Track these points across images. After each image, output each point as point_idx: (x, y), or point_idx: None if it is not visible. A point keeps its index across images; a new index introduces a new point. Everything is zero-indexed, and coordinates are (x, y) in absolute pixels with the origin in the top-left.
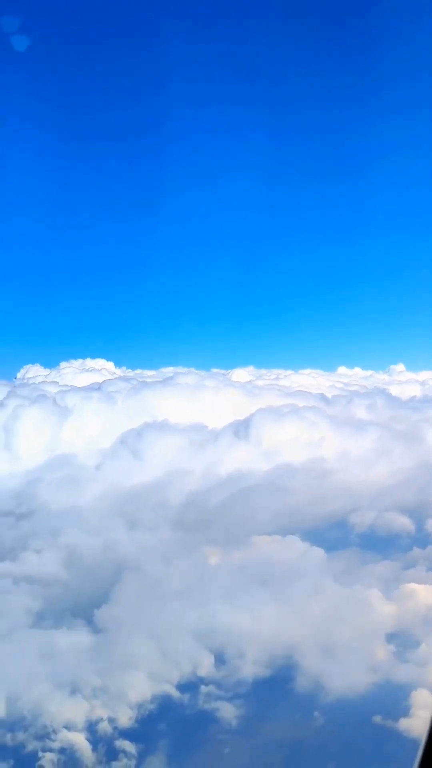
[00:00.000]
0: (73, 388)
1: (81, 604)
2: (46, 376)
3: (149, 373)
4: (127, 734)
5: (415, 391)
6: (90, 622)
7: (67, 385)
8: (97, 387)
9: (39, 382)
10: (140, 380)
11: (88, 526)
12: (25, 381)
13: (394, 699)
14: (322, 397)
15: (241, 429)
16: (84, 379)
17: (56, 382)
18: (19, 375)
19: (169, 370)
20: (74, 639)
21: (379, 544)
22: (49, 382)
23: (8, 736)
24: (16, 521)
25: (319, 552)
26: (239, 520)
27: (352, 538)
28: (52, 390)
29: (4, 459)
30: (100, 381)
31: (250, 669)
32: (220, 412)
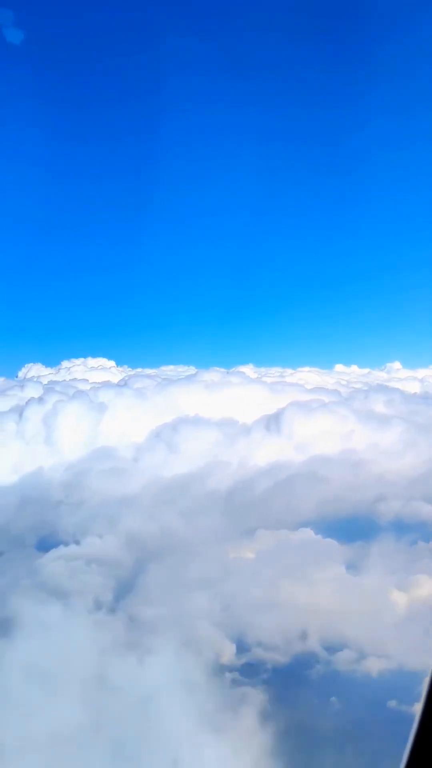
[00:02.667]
0: (105, 385)
1: (139, 585)
2: (55, 374)
3: (149, 372)
4: None
5: (415, 388)
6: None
7: (76, 383)
8: (123, 383)
9: (48, 381)
10: (163, 377)
11: (141, 513)
12: (30, 379)
13: (408, 685)
14: (340, 393)
15: (272, 423)
16: (94, 377)
17: (65, 381)
18: (20, 374)
19: (169, 369)
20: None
21: (410, 531)
22: (63, 380)
23: None
24: (73, 509)
25: (354, 540)
26: (283, 508)
27: (385, 526)
28: (62, 388)
29: (47, 452)
30: (114, 380)
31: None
32: (247, 408)
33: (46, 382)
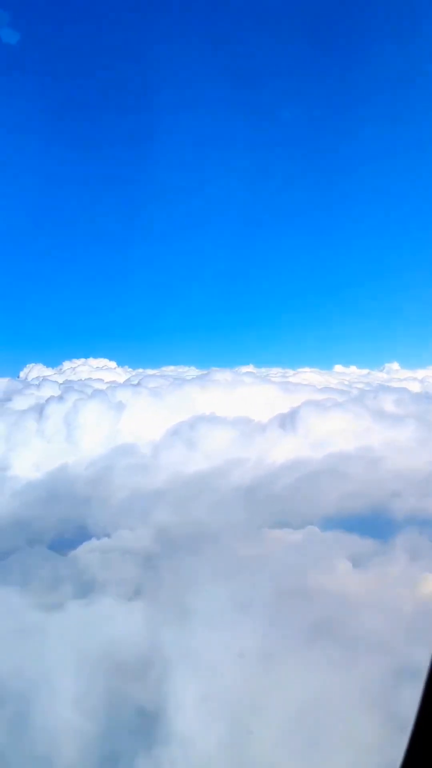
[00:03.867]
0: (121, 384)
1: (175, 574)
2: (57, 375)
3: (151, 372)
4: None
5: (416, 388)
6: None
7: (91, 382)
8: (137, 383)
9: (64, 381)
10: (174, 377)
11: (169, 507)
12: (46, 378)
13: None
14: (350, 393)
15: (287, 421)
16: (100, 378)
17: (81, 380)
18: (21, 374)
19: (169, 369)
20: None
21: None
22: (79, 380)
23: None
24: (101, 504)
25: (376, 536)
26: (306, 503)
27: (405, 521)
28: (79, 387)
29: (68, 450)
30: (120, 380)
31: None
32: (260, 407)
33: (61, 381)
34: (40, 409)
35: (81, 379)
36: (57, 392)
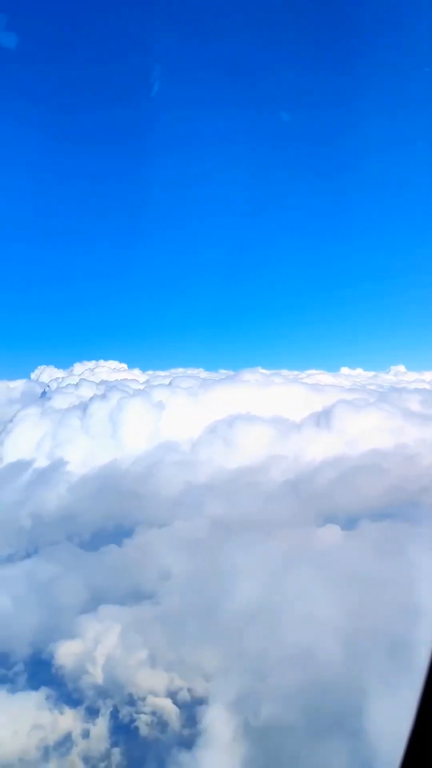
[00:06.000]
0: (160, 385)
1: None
2: (68, 376)
3: (161, 374)
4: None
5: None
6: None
7: (128, 383)
8: (167, 384)
9: (100, 381)
10: (202, 378)
11: (218, 500)
12: (49, 382)
13: None
14: (377, 393)
15: (322, 420)
16: (117, 378)
17: (93, 381)
18: (33, 375)
19: (179, 371)
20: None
21: None
22: (89, 381)
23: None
24: (153, 497)
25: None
26: (351, 497)
27: None
28: (121, 386)
29: (115, 446)
30: (141, 380)
31: None
32: (293, 406)
33: (97, 381)
34: (83, 408)
35: (121, 380)
36: (94, 392)
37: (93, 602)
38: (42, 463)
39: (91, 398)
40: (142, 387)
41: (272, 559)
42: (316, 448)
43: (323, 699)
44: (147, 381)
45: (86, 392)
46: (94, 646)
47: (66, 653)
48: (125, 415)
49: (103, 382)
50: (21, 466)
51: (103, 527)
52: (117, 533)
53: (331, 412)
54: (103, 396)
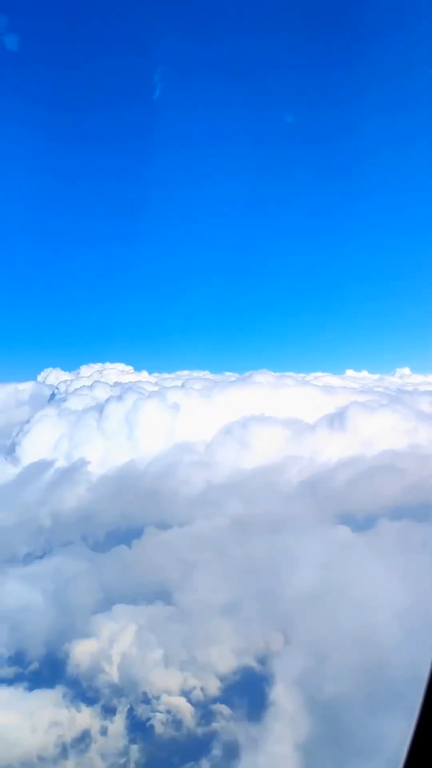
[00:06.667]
0: (173, 387)
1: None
2: (75, 379)
3: (167, 376)
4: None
5: None
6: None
7: (142, 384)
8: (180, 385)
9: (114, 383)
10: (213, 380)
11: (237, 499)
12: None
13: None
14: (388, 395)
15: (336, 421)
16: (127, 380)
17: (106, 383)
18: (39, 378)
19: (184, 374)
20: None
21: None
22: (102, 382)
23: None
24: (173, 496)
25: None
26: (370, 495)
27: None
28: (137, 388)
29: (132, 446)
30: (152, 382)
31: None
32: (305, 407)
33: (107, 383)
34: (99, 409)
35: (120, 382)
36: (109, 393)
37: (108, 602)
38: (62, 463)
39: (107, 400)
40: (156, 389)
41: (301, 554)
42: (331, 449)
43: (381, 678)
44: (156, 383)
45: (101, 394)
46: (110, 645)
47: (81, 652)
48: (141, 416)
49: (116, 384)
50: (42, 466)
51: (123, 526)
52: (137, 532)
53: (344, 414)
54: (119, 397)
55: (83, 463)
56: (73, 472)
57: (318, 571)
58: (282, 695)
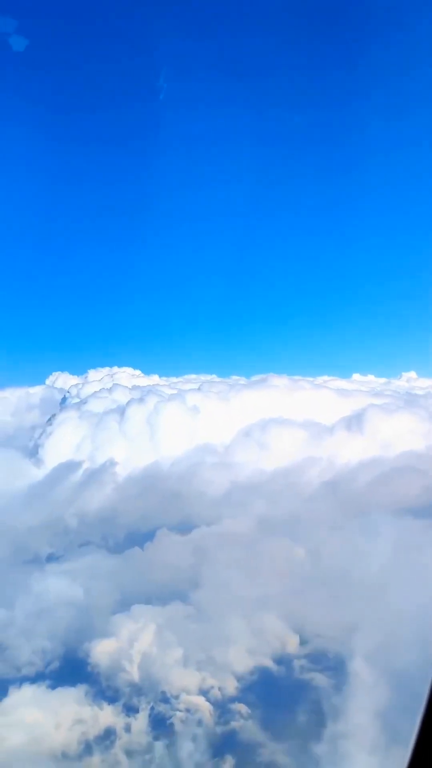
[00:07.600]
0: (191, 390)
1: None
2: (83, 383)
3: (174, 380)
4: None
5: None
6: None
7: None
8: (197, 388)
9: (132, 386)
10: (228, 384)
11: (261, 499)
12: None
13: None
14: (403, 398)
15: (353, 423)
16: (139, 383)
17: (125, 386)
18: (48, 381)
19: (191, 377)
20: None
21: None
22: (121, 385)
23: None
24: (198, 497)
25: None
26: (392, 496)
27: None
28: (156, 391)
29: (154, 448)
30: (165, 386)
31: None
32: (322, 410)
33: (130, 386)
34: (120, 411)
35: (138, 385)
36: (128, 396)
37: (128, 602)
38: (89, 465)
39: (128, 402)
40: (174, 392)
41: (326, 554)
42: (350, 451)
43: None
44: (170, 386)
45: (120, 397)
46: (130, 645)
47: (101, 652)
48: (162, 418)
49: (135, 387)
50: (70, 467)
51: (146, 526)
52: (162, 532)
53: (362, 416)
54: (140, 400)
55: (112, 464)
56: (101, 473)
57: (351, 569)
58: None
